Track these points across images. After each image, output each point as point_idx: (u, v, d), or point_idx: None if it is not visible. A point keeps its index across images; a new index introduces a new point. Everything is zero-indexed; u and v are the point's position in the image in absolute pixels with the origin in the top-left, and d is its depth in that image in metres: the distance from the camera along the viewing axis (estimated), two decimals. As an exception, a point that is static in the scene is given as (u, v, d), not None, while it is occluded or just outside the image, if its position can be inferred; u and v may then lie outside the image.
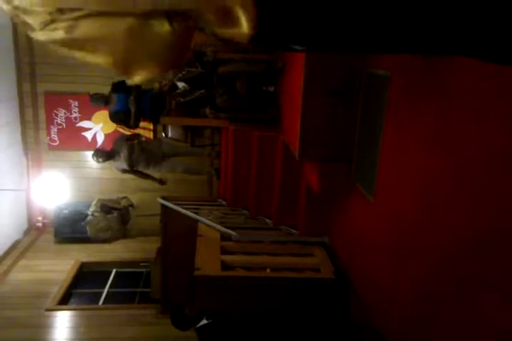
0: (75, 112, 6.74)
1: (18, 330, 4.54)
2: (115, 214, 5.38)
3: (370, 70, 2.71)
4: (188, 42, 0.89)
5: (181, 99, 4.94)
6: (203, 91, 4.78)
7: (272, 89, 4.39)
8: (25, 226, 6.83)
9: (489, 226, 1.60)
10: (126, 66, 0.89)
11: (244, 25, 0.72)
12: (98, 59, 0.87)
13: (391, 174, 2.44)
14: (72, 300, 5.40)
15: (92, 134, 6.87)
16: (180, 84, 4.88)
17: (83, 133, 6.86)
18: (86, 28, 0.78)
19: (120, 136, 5.77)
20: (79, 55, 0.86)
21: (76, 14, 0.75)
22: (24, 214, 6.85)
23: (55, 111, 6.72)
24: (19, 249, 6.21)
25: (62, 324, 4.79)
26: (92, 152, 5.67)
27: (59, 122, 6.79)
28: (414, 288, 2.16)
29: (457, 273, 1.79)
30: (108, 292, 5.52)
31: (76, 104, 6.69)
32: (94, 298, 5.38)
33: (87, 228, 5.33)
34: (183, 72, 4.70)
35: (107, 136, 6.81)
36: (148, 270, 5.68)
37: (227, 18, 0.72)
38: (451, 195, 1.83)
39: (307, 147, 2.96)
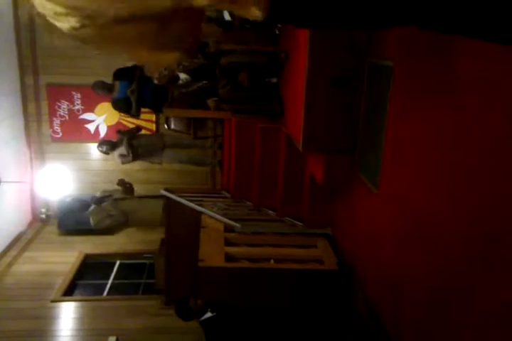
0: (77, 104, 6.73)
1: (24, 321, 4.58)
2: (109, 201, 5.41)
3: (374, 60, 2.70)
4: (200, 22, 0.96)
5: (183, 90, 4.92)
6: (205, 82, 4.76)
7: (274, 80, 4.37)
8: (29, 218, 6.87)
9: (496, 217, 1.60)
10: (152, 60, 0.95)
11: (257, 7, 0.75)
12: (129, 52, 0.91)
13: (395, 165, 2.44)
14: (77, 291, 5.43)
15: (95, 126, 6.87)
16: (183, 76, 4.86)
17: (86, 125, 6.86)
18: (116, 31, 0.81)
19: (123, 129, 5.80)
20: (110, 48, 0.90)
21: (104, 20, 0.77)
22: (28, 206, 6.88)
23: (57, 103, 6.72)
24: (23, 241, 6.24)
25: (68, 315, 4.83)
26: (99, 142, 5.72)
27: (62, 114, 6.79)
28: (419, 279, 2.16)
29: (462, 264, 1.79)
30: (112, 283, 5.56)
31: (79, 95, 6.69)
32: (99, 289, 5.42)
33: (90, 218, 5.37)
34: (185, 63, 4.68)
35: (109, 127, 6.81)
36: (151, 261, 5.71)
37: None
38: (456, 185, 1.83)
39: (310, 139, 2.96)
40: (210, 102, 4.50)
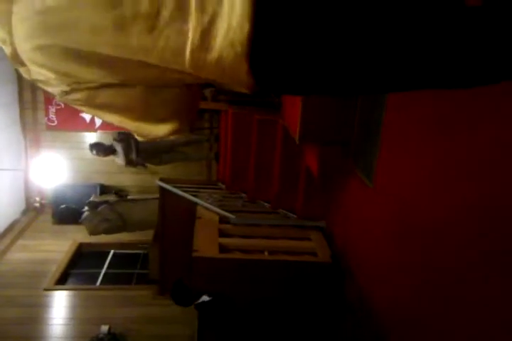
0: (73, 93, 6.68)
1: (16, 309, 4.59)
2: (105, 205, 5.36)
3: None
4: (198, 99, 1.02)
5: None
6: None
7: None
8: (23, 206, 6.85)
9: (492, 211, 1.60)
10: (142, 129, 0.97)
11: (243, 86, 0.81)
12: (118, 120, 0.95)
13: (392, 159, 2.44)
14: (70, 280, 5.44)
15: (91, 115, 6.82)
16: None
17: (81, 114, 6.81)
18: (104, 97, 0.87)
19: (116, 134, 5.72)
20: (99, 115, 0.97)
21: (93, 85, 0.84)
22: (22, 194, 6.86)
23: (53, 91, 6.66)
24: (17, 229, 6.23)
25: (60, 303, 4.84)
26: (90, 145, 5.69)
27: (57, 102, 6.73)
28: (411, 272, 2.18)
29: (455, 258, 1.80)
30: (106, 273, 5.56)
31: (75, 84, 6.63)
32: (92, 279, 5.42)
33: (85, 226, 5.30)
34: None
35: (105, 117, 6.77)
36: (145, 252, 5.71)
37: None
38: (454, 180, 1.84)
39: (307, 131, 2.95)
40: (208, 92, 4.47)
